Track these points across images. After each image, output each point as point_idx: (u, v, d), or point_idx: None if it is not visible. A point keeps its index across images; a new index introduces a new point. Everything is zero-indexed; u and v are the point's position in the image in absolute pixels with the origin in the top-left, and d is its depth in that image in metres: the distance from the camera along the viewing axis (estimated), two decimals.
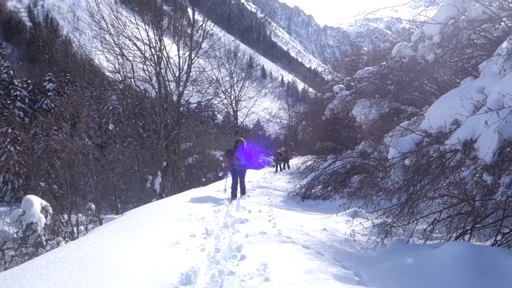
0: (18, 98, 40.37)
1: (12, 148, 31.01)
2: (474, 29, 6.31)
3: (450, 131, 5.10)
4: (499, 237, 5.04)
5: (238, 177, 11.95)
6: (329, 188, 13.12)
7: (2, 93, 38.67)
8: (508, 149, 4.70)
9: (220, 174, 27.49)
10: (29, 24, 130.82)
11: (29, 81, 45.57)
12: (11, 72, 44.69)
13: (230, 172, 12.26)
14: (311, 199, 13.11)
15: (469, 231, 5.32)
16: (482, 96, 4.88)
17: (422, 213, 6.10)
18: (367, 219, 6.75)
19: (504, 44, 5.04)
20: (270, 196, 12.69)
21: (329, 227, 7.28)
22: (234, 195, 11.64)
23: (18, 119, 32.00)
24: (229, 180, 12.55)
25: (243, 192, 12.20)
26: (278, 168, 28.18)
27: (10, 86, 40.89)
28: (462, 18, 6.03)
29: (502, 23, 6.27)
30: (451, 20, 6.25)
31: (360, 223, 6.57)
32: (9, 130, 30.32)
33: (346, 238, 6.36)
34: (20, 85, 42.07)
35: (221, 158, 28.71)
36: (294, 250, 5.44)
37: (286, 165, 29.21)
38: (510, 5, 6.36)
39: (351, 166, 12.98)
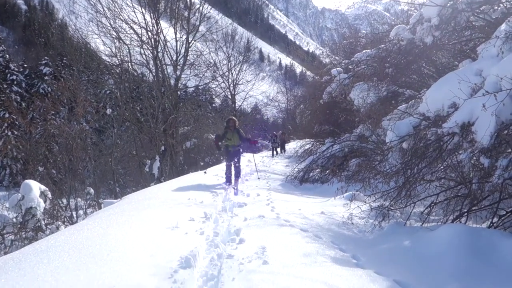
0: (15, 82, 40.08)
1: (9, 133, 30.92)
2: (472, 11, 6.28)
3: (448, 114, 5.11)
4: (495, 220, 5.08)
5: (232, 159, 10.99)
6: (327, 171, 13.18)
7: None
8: (506, 131, 4.72)
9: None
10: (24, 7, 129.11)
11: (25, 65, 45.19)
12: (7, 56, 44.26)
13: (224, 153, 11.41)
14: (309, 182, 13.18)
15: (466, 214, 5.36)
16: (480, 79, 4.87)
17: (419, 196, 6.15)
18: (365, 202, 6.81)
19: (503, 27, 5.01)
20: (268, 180, 12.74)
21: (327, 211, 7.33)
22: (228, 180, 10.74)
23: (15, 104, 31.87)
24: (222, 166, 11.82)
25: (237, 175, 11.04)
26: (274, 152, 27.51)
27: (6, 70, 40.55)
28: (460, 0, 5.98)
29: (501, 5, 6.23)
30: (449, 2, 6.20)
31: (358, 206, 6.62)
32: (6, 115, 30.18)
33: (344, 221, 6.41)
34: (16, 69, 41.73)
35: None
36: (292, 234, 5.48)
37: (282, 149, 28.51)
38: None
39: (349, 150, 13.02)
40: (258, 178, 12.79)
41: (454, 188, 5.74)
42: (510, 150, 4.69)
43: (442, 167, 6.00)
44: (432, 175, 6.03)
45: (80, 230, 4.79)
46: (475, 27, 7.27)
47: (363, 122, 12.18)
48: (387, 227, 5.78)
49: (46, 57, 40.80)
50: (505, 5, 6.24)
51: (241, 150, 11.24)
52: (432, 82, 7.69)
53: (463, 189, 5.53)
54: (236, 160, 10.99)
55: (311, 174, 13.75)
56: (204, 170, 11.98)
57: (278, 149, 28.53)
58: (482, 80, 4.79)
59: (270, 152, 28.07)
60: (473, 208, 5.33)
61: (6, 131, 31.08)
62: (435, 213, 6.33)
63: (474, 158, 5.05)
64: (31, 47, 58.62)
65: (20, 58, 56.68)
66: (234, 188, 10.07)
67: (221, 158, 14.16)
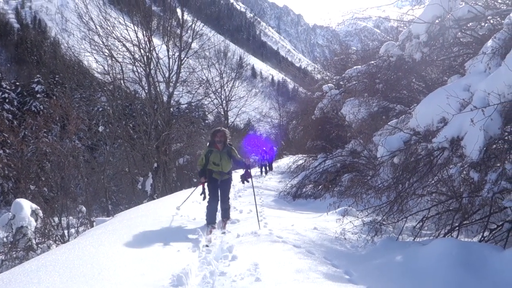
0: (7, 100, 39.93)
1: (1, 151, 30.68)
2: (460, 28, 6.39)
3: (438, 129, 5.16)
4: (486, 233, 5.10)
5: (219, 190, 7.51)
6: (320, 187, 13.20)
7: None
8: (494, 146, 4.78)
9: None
10: (16, 25, 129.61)
11: (18, 83, 45.11)
12: None
13: (207, 183, 7.52)
14: (302, 198, 13.19)
15: (457, 228, 5.38)
16: (468, 94, 4.95)
17: (411, 210, 6.17)
18: (357, 217, 6.81)
19: (489, 43, 5.10)
20: (261, 196, 12.72)
21: (319, 226, 7.32)
22: (211, 219, 7.25)
23: (6, 122, 31.64)
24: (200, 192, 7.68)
25: (225, 214, 7.69)
26: (263, 170, 24.49)
27: None
28: (448, 17, 6.09)
29: (488, 22, 6.35)
30: (437, 19, 6.31)
31: (350, 221, 6.63)
32: None
33: (337, 236, 6.41)
34: (8, 87, 41.61)
35: None
36: (285, 250, 5.47)
37: (269, 166, 25.26)
38: (495, 3, 6.46)
39: (341, 165, 13.06)
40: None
41: (445, 202, 5.76)
42: (499, 164, 4.74)
43: (433, 182, 6.04)
44: (423, 190, 6.06)
45: (72, 249, 4.75)
46: (463, 43, 7.39)
47: (355, 137, 12.25)
48: (379, 242, 5.78)
49: (38, 75, 40.84)
50: (491, 22, 6.36)
51: (231, 179, 7.78)
52: (422, 97, 7.77)
53: (454, 203, 5.56)
54: (224, 192, 7.58)
55: (304, 189, 13.76)
56: (178, 206, 8.30)
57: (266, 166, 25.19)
58: (470, 95, 4.86)
59: (258, 170, 25.15)
60: (464, 222, 5.36)
61: None
62: (427, 227, 6.35)
63: (464, 172, 5.10)
64: (23, 65, 58.67)
65: (12, 76, 56.56)
66: (222, 232, 6.95)
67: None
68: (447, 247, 4.45)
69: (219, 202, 7.50)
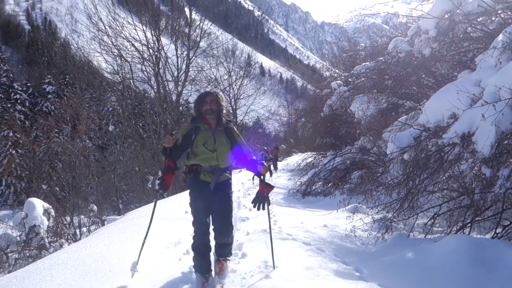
0: (19, 101, 40.46)
1: (13, 151, 31.05)
2: (470, 23, 6.32)
3: (448, 124, 5.12)
4: (499, 230, 5.05)
5: (213, 206, 4.21)
6: (329, 184, 13.16)
7: (3, 96, 38.77)
8: (506, 141, 4.72)
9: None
10: (27, 27, 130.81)
11: (29, 84, 45.70)
12: (11, 75, 44.77)
13: (190, 193, 4.29)
14: (312, 195, 13.16)
15: (469, 224, 5.33)
16: (479, 89, 4.89)
17: (422, 207, 6.12)
18: (368, 214, 6.78)
19: (500, 37, 5.05)
20: (270, 194, 12.69)
21: (329, 223, 7.30)
22: (203, 265, 4.14)
23: (18, 122, 32.10)
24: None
25: (223, 250, 4.45)
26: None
27: (10, 90, 41.01)
28: (457, 11, 6.03)
29: (498, 16, 6.28)
30: (446, 14, 6.25)
31: (361, 218, 6.60)
32: (10, 134, 30.37)
33: (347, 234, 6.38)
34: (20, 88, 42.17)
35: None
36: (295, 247, 5.46)
37: (274, 166, 23.05)
38: None
39: (351, 162, 13.01)
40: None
41: (456, 198, 5.71)
42: (511, 159, 4.69)
43: (444, 178, 5.99)
44: (434, 186, 6.01)
45: (83, 247, 4.78)
46: (473, 38, 7.31)
47: (364, 134, 12.19)
48: (390, 239, 5.75)
49: (49, 76, 41.26)
50: (502, 16, 6.29)
51: (231, 181, 4.42)
52: (431, 93, 7.71)
53: (465, 199, 5.51)
54: (221, 209, 4.25)
55: (313, 187, 13.73)
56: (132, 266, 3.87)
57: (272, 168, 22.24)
58: (481, 90, 4.81)
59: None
60: (477, 219, 5.30)
61: (10, 150, 31.21)
62: (439, 224, 6.30)
63: (476, 168, 5.04)
64: (34, 66, 59.17)
65: (23, 77, 57.25)
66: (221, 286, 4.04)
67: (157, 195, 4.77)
68: (459, 244, 4.41)
69: (214, 228, 4.26)
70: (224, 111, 4.27)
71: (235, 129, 4.40)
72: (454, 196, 5.81)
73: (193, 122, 4.20)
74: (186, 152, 4.20)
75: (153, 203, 4.43)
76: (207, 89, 4.90)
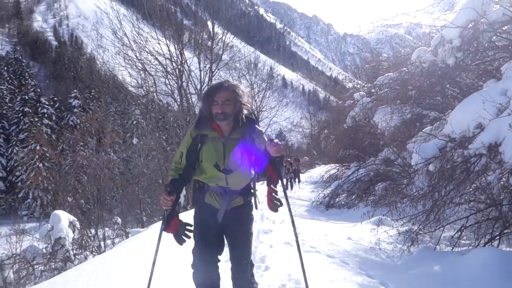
0: (46, 115, 41.52)
1: (40, 165, 31.77)
2: (494, 31, 6.23)
3: (474, 135, 5.02)
4: None
5: (224, 238, 3.19)
6: (353, 196, 13.02)
7: (30, 111, 39.81)
8: None
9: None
10: (54, 43, 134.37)
11: (56, 99, 46.87)
12: (39, 90, 46.09)
13: (194, 218, 3.21)
14: (335, 208, 13.04)
15: (498, 237, 5.20)
16: (505, 98, 4.80)
17: (448, 219, 6.00)
18: (392, 226, 6.68)
19: None
20: (293, 206, 12.66)
21: (353, 236, 7.21)
22: None
23: (45, 136, 32.84)
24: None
25: None
26: (289, 184, 20.50)
27: (38, 104, 42.15)
28: (482, 20, 5.96)
29: None
30: (471, 23, 6.18)
31: (385, 231, 6.51)
32: (37, 147, 31.10)
33: (371, 246, 6.29)
34: (47, 102, 43.32)
35: None
36: (319, 260, 5.41)
37: (296, 179, 22.14)
38: None
39: (375, 174, 12.85)
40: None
41: (484, 210, 5.58)
42: None
43: (470, 189, 5.86)
44: (460, 198, 5.88)
45: (107, 260, 4.84)
46: (498, 47, 7.18)
47: (388, 145, 12.05)
48: (416, 252, 5.64)
49: (75, 90, 42.21)
50: None
51: (252, 207, 3.23)
52: (456, 103, 7.59)
53: (493, 211, 5.38)
54: (235, 246, 3.17)
55: (337, 199, 13.61)
56: None
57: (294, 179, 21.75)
58: (508, 99, 4.72)
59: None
60: (505, 231, 5.17)
61: (37, 163, 31.94)
62: (466, 236, 6.16)
63: (503, 179, 4.93)
64: (61, 81, 60.69)
65: (50, 92, 58.81)
66: None
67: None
68: (488, 256, 4.31)
69: (231, 265, 3.23)
70: (245, 111, 3.03)
71: (263, 133, 3.14)
72: (482, 208, 5.68)
73: (197, 128, 3.07)
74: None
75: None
76: (218, 81, 3.14)
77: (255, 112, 4.05)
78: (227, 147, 2.99)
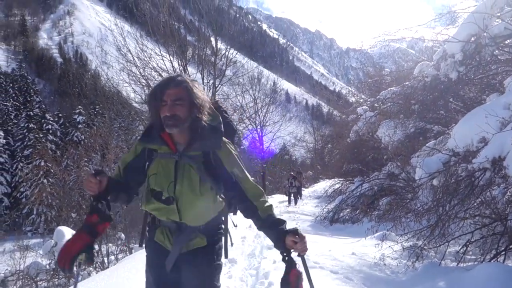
0: (50, 131, 41.77)
1: (45, 181, 31.81)
2: (497, 45, 6.24)
3: (478, 149, 5.01)
4: None
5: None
6: (357, 211, 12.95)
7: (35, 127, 40.06)
8: None
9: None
10: (59, 60, 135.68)
11: (60, 115, 47.20)
12: (43, 106, 46.45)
13: (146, 263, 2.71)
14: (340, 222, 12.96)
15: (504, 252, 5.14)
16: (508, 112, 4.80)
17: (453, 234, 5.95)
18: (397, 242, 6.63)
19: None
20: (297, 221, 12.59)
21: (358, 251, 7.15)
22: None
23: (50, 152, 32.94)
24: None
25: None
26: (292, 198, 19.90)
27: (43, 120, 42.46)
28: (484, 34, 5.98)
29: None
30: (472, 38, 6.20)
31: (390, 246, 6.45)
32: (42, 163, 31.20)
33: (376, 262, 6.23)
34: (51, 119, 43.63)
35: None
36: (322, 276, 5.36)
37: (298, 194, 20.90)
38: None
39: (379, 188, 12.80)
40: None
41: (489, 225, 5.53)
42: None
43: (475, 204, 5.82)
44: (465, 212, 5.84)
45: (110, 276, 4.82)
46: (501, 61, 7.19)
47: (392, 159, 12.02)
48: (421, 267, 5.59)
49: (79, 106, 42.52)
50: None
51: (221, 247, 2.46)
52: (460, 117, 7.58)
53: (499, 226, 5.33)
54: None
55: (341, 214, 13.54)
56: None
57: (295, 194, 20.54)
58: (511, 113, 4.71)
59: (286, 198, 20.76)
60: (511, 246, 5.11)
61: (41, 179, 31.99)
62: (471, 252, 6.10)
63: (508, 193, 4.90)
64: (65, 97, 61.23)
65: (55, 108, 59.24)
66: None
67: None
68: (494, 272, 4.26)
69: None
70: (205, 117, 2.21)
71: (230, 146, 2.32)
72: (487, 223, 5.63)
73: (142, 141, 2.33)
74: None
75: None
76: (167, 77, 2.30)
77: (231, 118, 3.23)
78: (180, 167, 2.19)
